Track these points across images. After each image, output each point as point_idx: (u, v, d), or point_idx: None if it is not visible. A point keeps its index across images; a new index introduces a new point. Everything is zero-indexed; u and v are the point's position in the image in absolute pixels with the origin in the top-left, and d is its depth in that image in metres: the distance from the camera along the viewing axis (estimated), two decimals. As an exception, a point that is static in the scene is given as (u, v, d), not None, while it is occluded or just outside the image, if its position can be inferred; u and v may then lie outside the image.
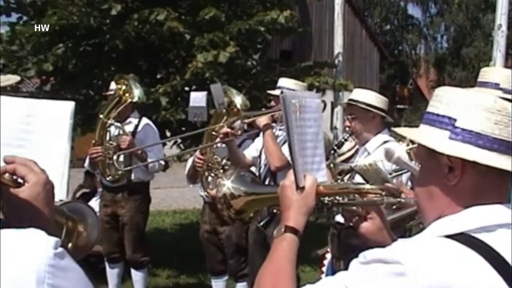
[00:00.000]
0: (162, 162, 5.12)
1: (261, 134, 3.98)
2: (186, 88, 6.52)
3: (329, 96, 10.07)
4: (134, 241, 5.00)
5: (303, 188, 1.51)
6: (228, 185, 1.73)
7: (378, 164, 1.66)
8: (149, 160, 4.88)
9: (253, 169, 4.18)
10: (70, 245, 1.38)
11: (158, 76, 6.97)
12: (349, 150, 4.75)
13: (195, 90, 5.94)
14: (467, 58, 31.91)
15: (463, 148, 1.19)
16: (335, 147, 3.80)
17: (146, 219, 5.25)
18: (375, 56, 25.76)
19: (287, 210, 1.51)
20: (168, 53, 6.92)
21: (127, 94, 4.78)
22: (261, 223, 1.89)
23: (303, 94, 1.67)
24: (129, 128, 4.96)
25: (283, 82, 4.22)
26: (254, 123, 3.94)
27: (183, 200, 12.01)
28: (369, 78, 24.46)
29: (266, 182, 3.99)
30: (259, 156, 4.20)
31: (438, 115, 1.24)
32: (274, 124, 3.90)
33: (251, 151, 4.26)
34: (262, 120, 3.81)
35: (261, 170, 4.16)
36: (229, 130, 3.76)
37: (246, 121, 3.79)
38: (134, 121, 5.03)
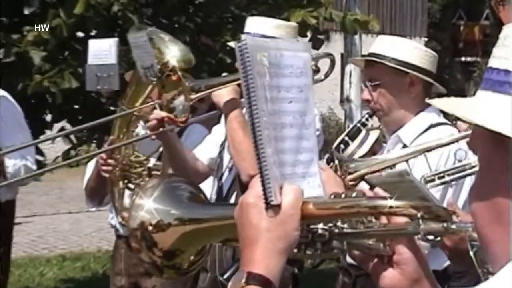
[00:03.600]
0: (33, 166, 5.13)
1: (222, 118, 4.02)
2: (79, 34, 6.50)
3: (337, 44, 10.17)
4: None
5: (278, 206, 1.54)
6: (148, 206, 1.76)
7: (412, 173, 1.68)
8: (7, 161, 4.89)
9: (210, 180, 4.21)
10: None
11: (26, 12, 6.90)
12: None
13: (96, 36, 5.93)
14: None
15: None
16: (346, 138, 3.85)
17: (6, 273, 5.26)
18: (419, -30, 25.98)
19: (250, 246, 1.54)
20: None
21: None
22: (226, 275, 1.91)
23: (278, 43, 1.70)
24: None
25: (254, 24, 4.12)
26: (209, 100, 3.94)
27: (79, 237, 11.97)
28: (409, 10, 24.67)
29: (232, 200, 4.01)
30: (220, 155, 4.25)
31: (507, 71, 1.26)
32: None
33: (207, 150, 4.29)
34: (223, 94, 3.81)
35: (223, 179, 4.21)
36: (165, 114, 3.76)
37: (194, 97, 3.76)
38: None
